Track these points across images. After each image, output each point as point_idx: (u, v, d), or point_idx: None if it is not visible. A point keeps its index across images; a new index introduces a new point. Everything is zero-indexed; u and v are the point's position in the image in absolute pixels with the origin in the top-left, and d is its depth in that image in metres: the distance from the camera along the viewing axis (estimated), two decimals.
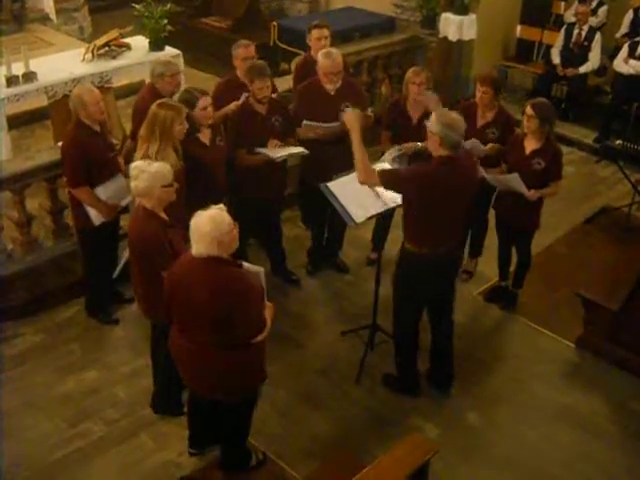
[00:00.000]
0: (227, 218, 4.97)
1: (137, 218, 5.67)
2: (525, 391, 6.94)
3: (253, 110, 7.31)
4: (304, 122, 7.41)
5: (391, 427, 6.46)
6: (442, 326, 6.69)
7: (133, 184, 5.56)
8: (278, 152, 7.23)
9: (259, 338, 5.20)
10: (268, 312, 5.31)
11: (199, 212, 4.98)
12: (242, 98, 7.38)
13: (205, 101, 6.76)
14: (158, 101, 6.43)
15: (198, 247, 4.94)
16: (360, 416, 6.62)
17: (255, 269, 5.37)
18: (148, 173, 5.50)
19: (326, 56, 7.44)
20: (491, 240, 7.94)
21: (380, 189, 6.45)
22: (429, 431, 6.44)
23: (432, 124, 5.86)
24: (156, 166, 5.61)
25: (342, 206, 6.45)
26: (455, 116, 5.93)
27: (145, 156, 6.16)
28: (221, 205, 5.07)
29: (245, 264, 5.29)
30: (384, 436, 6.30)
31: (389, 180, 6.02)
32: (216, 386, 5.38)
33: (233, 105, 7.37)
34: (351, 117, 6.17)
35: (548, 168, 7.10)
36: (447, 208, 5.97)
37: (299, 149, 7.39)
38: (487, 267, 8.20)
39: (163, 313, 5.45)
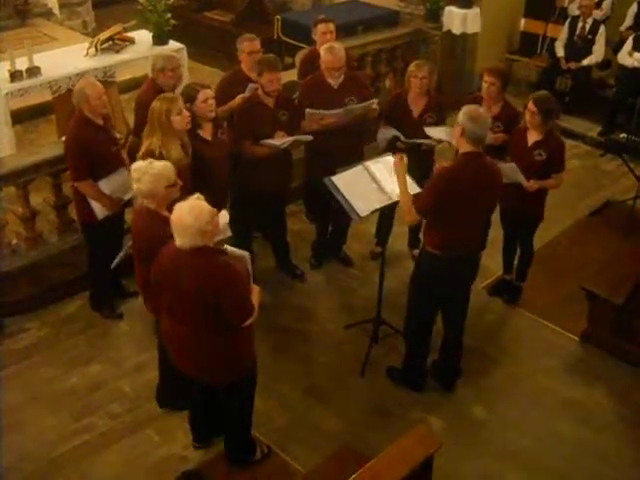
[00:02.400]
0: (206, 207, 4.97)
1: (141, 218, 5.65)
2: (529, 384, 6.94)
3: (261, 103, 7.30)
4: (307, 110, 7.40)
5: (396, 420, 6.48)
6: (455, 323, 6.68)
7: (135, 186, 5.53)
8: (282, 140, 7.23)
9: (248, 322, 5.22)
10: (255, 295, 5.32)
11: (178, 204, 4.99)
12: (248, 90, 7.38)
13: (205, 94, 6.72)
14: (158, 97, 6.43)
15: (181, 240, 4.95)
16: (364, 409, 6.63)
17: (240, 253, 5.39)
18: (150, 175, 5.45)
19: (328, 51, 7.43)
20: (495, 233, 7.93)
21: (383, 182, 6.47)
22: (433, 424, 6.45)
23: (459, 115, 5.91)
24: (158, 167, 5.54)
25: (346, 200, 6.45)
26: (482, 111, 5.98)
27: (148, 150, 6.16)
28: (198, 194, 5.06)
29: (230, 248, 5.31)
30: (389, 429, 6.30)
31: (422, 205, 6.04)
32: (205, 368, 5.40)
33: (239, 98, 7.38)
34: (397, 164, 6.23)
35: (550, 160, 7.10)
36: (472, 208, 5.98)
37: (304, 136, 7.39)
38: (491, 260, 8.18)
39: (148, 302, 5.60)
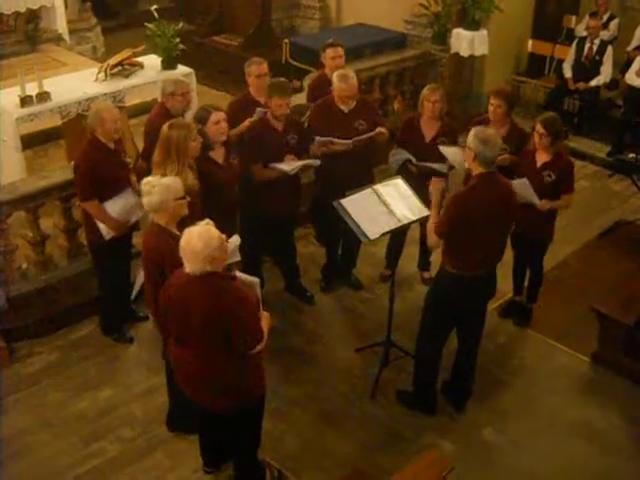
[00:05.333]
0: (215, 233, 4.98)
1: (151, 234, 5.69)
2: (541, 406, 6.91)
3: (270, 126, 7.33)
4: (316, 139, 7.42)
5: (406, 443, 6.45)
6: (469, 344, 6.68)
7: (146, 199, 5.58)
8: (292, 165, 7.24)
9: (258, 348, 5.20)
10: (265, 322, 5.31)
11: (188, 230, 5.01)
12: (256, 114, 7.40)
13: (217, 116, 6.76)
14: (167, 123, 6.42)
15: (191, 266, 4.96)
16: (375, 433, 6.60)
17: (250, 279, 5.39)
18: (160, 186, 5.53)
19: (341, 79, 7.42)
20: (506, 255, 7.89)
21: (392, 205, 6.48)
22: (444, 447, 6.42)
23: (468, 138, 5.95)
24: (168, 179, 5.66)
25: (355, 223, 6.47)
26: (491, 132, 6.01)
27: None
28: (208, 220, 5.09)
29: (239, 274, 5.31)
30: (399, 453, 6.28)
31: (442, 228, 6.08)
32: (213, 396, 5.38)
33: (247, 122, 7.40)
34: (436, 186, 6.29)
35: (559, 181, 7.11)
36: (488, 227, 6.00)
37: (313, 160, 7.40)
38: (502, 282, 8.12)
39: (160, 327, 5.55)
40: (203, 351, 5.17)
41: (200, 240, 4.90)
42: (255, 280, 5.45)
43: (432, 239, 6.20)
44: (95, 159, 6.79)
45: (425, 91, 7.57)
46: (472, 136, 5.92)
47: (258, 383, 5.47)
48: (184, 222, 5.59)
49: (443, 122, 7.62)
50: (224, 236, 5.08)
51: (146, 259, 5.73)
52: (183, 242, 4.96)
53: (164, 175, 6.11)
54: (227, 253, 5.13)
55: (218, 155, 6.88)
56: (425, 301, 6.56)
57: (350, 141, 7.39)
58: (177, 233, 5.56)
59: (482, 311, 6.59)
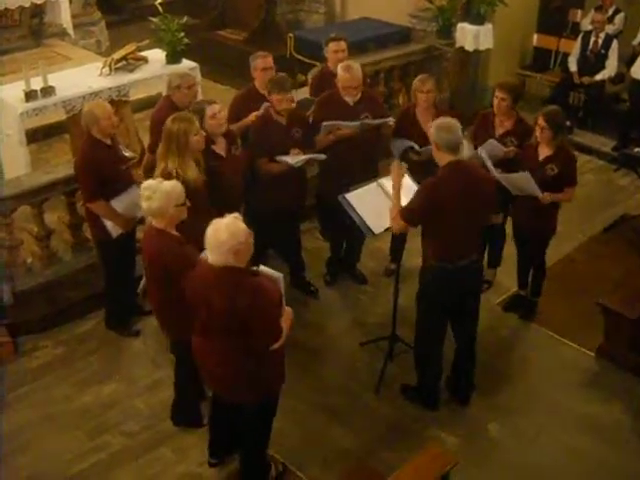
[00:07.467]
0: (243, 227, 4.96)
1: (150, 238, 5.68)
2: (545, 401, 6.90)
3: (273, 121, 7.33)
4: (323, 124, 7.41)
5: (411, 438, 6.44)
6: (465, 337, 6.67)
7: (146, 204, 5.55)
8: (297, 158, 7.24)
9: (276, 346, 5.19)
10: (286, 318, 5.29)
11: (216, 220, 4.97)
12: (262, 108, 7.41)
13: (212, 109, 6.78)
14: (171, 116, 6.44)
15: (214, 256, 4.94)
16: (379, 427, 6.60)
17: (274, 275, 5.33)
18: (160, 193, 5.50)
19: (346, 70, 7.43)
20: (510, 249, 7.91)
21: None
22: (448, 441, 6.42)
23: (431, 133, 6.01)
24: (168, 185, 5.60)
25: (360, 217, 6.48)
26: (448, 119, 6.06)
27: (165, 172, 6.15)
28: (237, 214, 5.07)
29: (264, 269, 5.28)
30: (404, 447, 6.27)
31: (409, 215, 6.10)
32: (236, 389, 5.38)
33: (253, 116, 7.41)
34: (397, 172, 6.26)
35: (561, 174, 7.09)
36: (463, 216, 5.95)
37: (318, 155, 7.40)
38: (506, 276, 8.16)
39: (183, 320, 5.49)
40: (223, 343, 5.16)
41: (227, 231, 4.87)
42: (279, 275, 5.36)
43: (396, 224, 6.21)
44: (96, 157, 6.80)
45: (416, 82, 7.60)
46: (433, 127, 5.99)
47: (277, 377, 5.48)
48: (182, 223, 5.64)
49: (438, 111, 7.59)
50: (251, 232, 5.05)
51: (148, 262, 5.72)
52: (209, 231, 4.93)
53: (166, 168, 6.12)
54: (251, 249, 5.06)
55: (220, 148, 6.91)
56: (416, 298, 6.56)
57: (358, 123, 7.39)
58: (176, 234, 5.60)
59: (474, 307, 6.56)
